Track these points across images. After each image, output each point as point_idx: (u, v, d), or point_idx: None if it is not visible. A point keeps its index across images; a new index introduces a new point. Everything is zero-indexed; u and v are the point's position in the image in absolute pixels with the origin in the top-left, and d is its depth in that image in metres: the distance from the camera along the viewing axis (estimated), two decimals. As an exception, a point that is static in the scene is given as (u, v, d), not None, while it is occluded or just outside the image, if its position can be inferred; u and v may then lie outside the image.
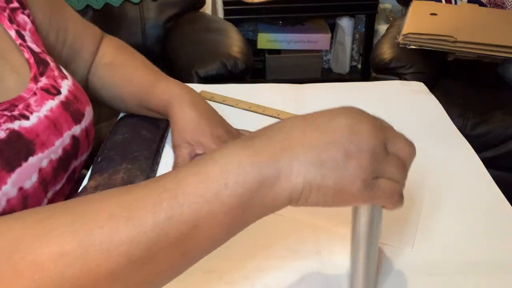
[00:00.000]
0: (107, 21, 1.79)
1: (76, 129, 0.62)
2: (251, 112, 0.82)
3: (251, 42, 2.27)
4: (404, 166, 0.42)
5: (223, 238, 0.40)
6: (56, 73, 0.63)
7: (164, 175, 0.39)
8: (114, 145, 0.71)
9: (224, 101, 0.85)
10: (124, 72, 0.74)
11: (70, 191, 0.66)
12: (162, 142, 0.73)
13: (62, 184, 0.61)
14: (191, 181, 0.37)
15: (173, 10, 1.88)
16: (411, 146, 0.44)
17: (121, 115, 0.81)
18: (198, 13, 1.96)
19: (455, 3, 1.78)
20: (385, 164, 0.41)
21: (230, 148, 0.39)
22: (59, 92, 0.61)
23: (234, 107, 0.84)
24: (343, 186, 0.39)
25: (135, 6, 1.82)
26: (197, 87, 0.89)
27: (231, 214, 0.38)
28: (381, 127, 0.42)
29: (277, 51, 2.37)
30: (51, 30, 0.69)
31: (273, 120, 0.80)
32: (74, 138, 0.62)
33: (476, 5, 1.73)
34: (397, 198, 0.42)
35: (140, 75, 0.73)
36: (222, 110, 0.83)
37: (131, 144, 0.71)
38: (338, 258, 0.54)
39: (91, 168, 0.68)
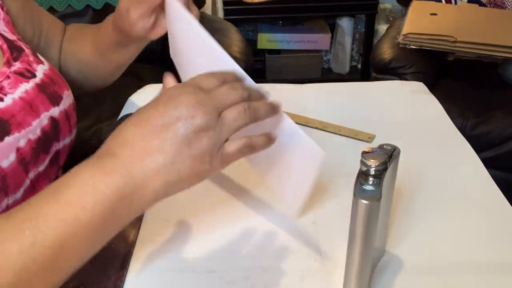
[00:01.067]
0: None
1: (55, 111, 0.62)
2: (251, 112, 0.82)
3: (251, 42, 2.27)
4: (239, 113, 0.45)
5: (91, 251, 0.43)
6: (31, 58, 0.64)
7: (26, 203, 0.41)
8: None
9: (224, 101, 0.85)
10: (76, 40, 0.77)
11: (57, 177, 0.66)
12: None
13: (45, 167, 0.62)
14: (51, 208, 0.40)
15: (173, 10, 1.88)
16: (233, 91, 0.45)
17: (121, 115, 0.81)
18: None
19: (455, 3, 1.78)
20: (223, 127, 0.44)
21: (84, 171, 0.42)
22: (34, 76, 0.62)
23: (234, 107, 0.84)
24: (198, 170, 0.44)
25: (135, 6, 1.82)
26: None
27: (94, 232, 0.41)
28: (202, 97, 0.44)
29: (277, 51, 2.37)
30: (27, 23, 0.72)
31: (273, 120, 0.80)
32: (52, 119, 0.62)
33: (476, 5, 1.73)
34: (249, 146, 0.46)
35: (88, 30, 0.76)
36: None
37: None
38: (338, 258, 0.54)
39: (91, 168, 0.68)
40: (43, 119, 0.61)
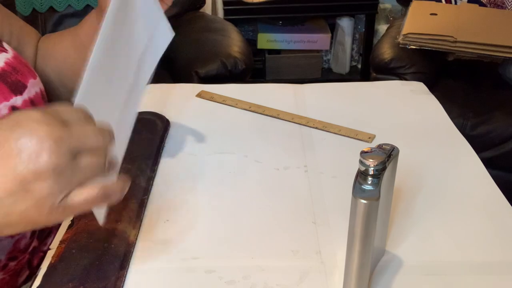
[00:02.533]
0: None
1: (17, 100, 0.61)
2: (251, 112, 0.82)
3: (251, 42, 2.27)
4: (98, 164, 0.39)
5: None
6: None
7: None
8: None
9: (224, 101, 0.85)
10: (55, 37, 0.76)
11: None
12: (162, 142, 0.74)
13: None
14: None
15: (173, 10, 1.88)
16: (99, 135, 0.39)
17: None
18: (198, 13, 1.96)
19: (455, 3, 1.78)
20: (75, 174, 0.37)
21: None
22: None
23: (234, 107, 0.84)
24: (31, 218, 0.37)
25: (135, 6, 1.82)
26: (197, 87, 0.89)
27: None
28: (58, 133, 0.36)
29: (277, 51, 2.37)
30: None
31: (273, 120, 0.80)
32: (14, 109, 0.61)
33: (476, 5, 1.73)
34: (101, 198, 0.39)
35: (67, 29, 0.75)
36: (222, 110, 0.83)
37: (131, 144, 0.71)
38: (338, 258, 0.54)
39: (91, 168, 0.68)
40: (2, 109, 0.59)
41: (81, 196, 0.38)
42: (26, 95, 0.63)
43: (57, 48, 0.74)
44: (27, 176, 0.35)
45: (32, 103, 0.63)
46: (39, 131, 0.35)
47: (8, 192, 0.36)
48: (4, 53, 0.63)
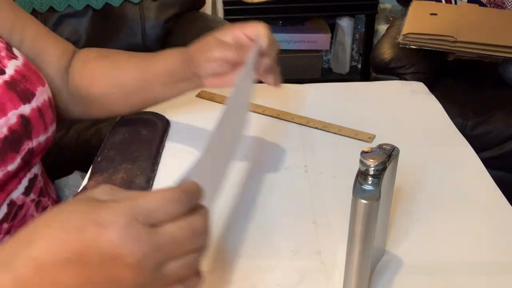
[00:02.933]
0: (107, 21, 1.79)
1: (25, 108, 0.61)
2: (251, 112, 0.82)
3: (251, 42, 2.26)
4: (186, 268, 0.37)
5: None
6: (2, 53, 0.62)
7: None
8: (114, 145, 0.71)
9: (224, 101, 0.85)
10: (118, 57, 0.73)
11: (33, 182, 0.65)
12: (162, 142, 0.74)
13: (16, 166, 0.60)
14: None
15: (173, 10, 1.88)
16: (192, 239, 0.37)
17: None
18: (198, 13, 1.96)
19: (455, 3, 1.78)
20: (160, 281, 0.36)
21: None
22: (3, 72, 0.61)
23: (234, 107, 0.84)
24: None
25: (135, 6, 1.82)
26: (197, 87, 0.89)
27: None
28: (146, 250, 0.34)
29: (277, 51, 2.37)
30: (7, 27, 0.68)
31: (273, 120, 0.80)
32: (22, 117, 0.60)
33: (476, 5, 1.73)
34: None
35: (134, 55, 0.72)
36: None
37: (131, 144, 0.71)
38: (338, 258, 0.54)
39: (91, 168, 0.68)
40: (11, 118, 0.59)
41: None
42: (35, 103, 0.62)
43: (115, 73, 0.71)
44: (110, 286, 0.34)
45: (40, 111, 0.63)
46: (126, 248, 0.34)
47: None
48: (14, 60, 0.63)
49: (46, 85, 0.66)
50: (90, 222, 0.34)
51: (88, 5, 1.75)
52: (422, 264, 0.54)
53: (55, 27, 1.70)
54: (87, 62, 0.74)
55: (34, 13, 1.68)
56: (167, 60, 0.68)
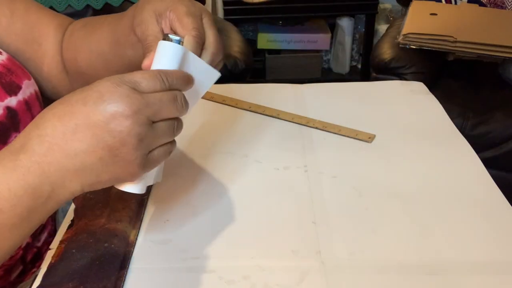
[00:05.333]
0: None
1: (12, 101, 0.61)
2: (251, 112, 0.82)
3: (251, 42, 2.27)
4: (171, 127, 0.46)
5: (15, 244, 0.45)
6: None
7: None
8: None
9: (224, 101, 0.85)
10: (96, 22, 0.70)
11: None
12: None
13: None
14: None
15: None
16: (173, 103, 0.45)
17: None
18: (198, 13, 1.96)
19: (455, 3, 1.78)
20: (153, 139, 0.44)
21: None
22: None
23: (234, 107, 0.84)
24: (119, 176, 0.44)
25: (135, 6, 1.82)
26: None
27: (15, 228, 0.43)
28: (138, 104, 0.42)
29: (277, 51, 2.37)
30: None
31: (273, 120, 0.80)
32: (9, 109, 0.61)
33: (476, 5, 1.73)
34: (169, 154, 0.47)
35: (107, 17, 0.70)
36: (222, 110, 0.83)
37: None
38: (338, 258, 0.54)
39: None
40: None
41: (161, 151, 0.45)
42: (21, 96, 0.63)
43: (92, 40, 0.69)
44: (115, 145, 0.41)
45: (26, 104, 0.63)
46: (122, 105, 0.41)
47: (98, 158, 0.42)
48: None
49: (32, 80, 0.66)
50: (89, 93, 0.42)
51: (88, 5, 1.75)
52: (421, 264, 0.54)
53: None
54: (73, 33, 0.71)
55: (34, 13, 1.68)
56: (128, 15, 0.62)
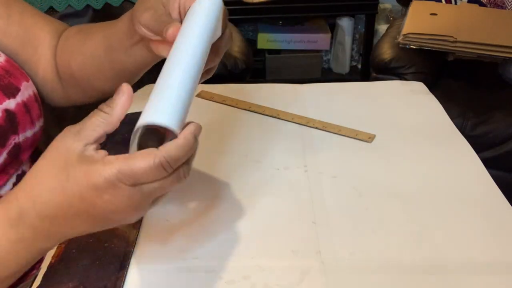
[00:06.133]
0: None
1: (10, 103, 0.61)
2: (251, 112, 0.82)
3: (251, 42, 2.27)
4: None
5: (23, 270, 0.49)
6: None
7: None
8: (115, 145, 0.71)
9: (224, 101, 0.85)
10: (92, 28, 0.71)
11: (21, 178, 0.65)
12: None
13: (2, 161, 0.60)
14: None
15: (173, 10, 1.88)
16: (174, 185, 0.43)
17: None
18: (198, 13, 1.96)
19: (455, 3, 1.77)
20: (152, 205, 0.44)
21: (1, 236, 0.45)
22: None
23: (234, 107, 0.84)
24: (121, 223, 0.46)
25: (135, 6, 1.82)
26: (197, 87, 0.89)
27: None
28: (141, 203, 0.43)
29: (277, 51, 2.36)
30: None
31: (273, 120, 0.80)
32: (7, 112, 0.60)
33: (476, 5, 1.73)
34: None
35: (100, 24, 0.70)
36: (222, 110, 0.83)
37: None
38: (338, 258, 0.54)
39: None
40: None
41: (161, 201, 0.45)
42: (20, 98, 0.62)
43: (87, 45, 0.69)
44: (115, 222, 0.45)
45: (25, 106, 0.63)
46: (124, 207, 0.42)
47: (103, 226, 0.46)
48: None
49: (30, 81, 0.65)
50: (86, 191, 0.41)
51: (88, 5, 1.75)
52: (421, 264, 0.54)
53: (55, 27, 1.70)
54: (68, 38, 0.72)
55: (34, 13, 1.68)
56: (124, 19, 0.63)
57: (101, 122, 0.43)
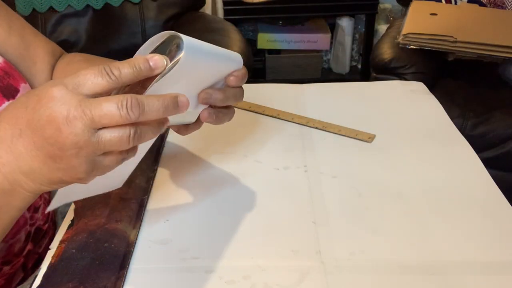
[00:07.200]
0: (107, 21, 1.79)
1: None
2: (251, 112, 0.82)
3: (251, 42, 2.27)
4: (124, 136, 0.41)
5: None
6: None
7: None
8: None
9: (224, 101, 0.85)
10: (100, 62, 0.70)
11: None
12: (162, 142, 0.74)
13: None
14: None
15: (173, 10, 1.88)
16: (122, 110, 0.40)
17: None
18: (198, 13, 1.96)
19: (455, 3, 1.77)
20: (97, 147, 0.40)
21: None
22: None
23: (234, 107, 0.84)
24: (68, 180, 0.43)
25: (135, 6, 1.82)
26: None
27: None
28: (74, 110, 0.39)
29: (277, 51, 2.36)
30: None
31: (273, 120, 0.80)
32: None
33: (476, 5, 1.73)
34: (121, 162, 0.44)
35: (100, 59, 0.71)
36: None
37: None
38: (338, 258, 0.54)
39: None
40: None
41: (110, 160, 0.42)
42: None
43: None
44: (54, 152, 0.40)
45: None
46: (57, 110, 0.39)
47: (43, 163, 0.41)
48: None
49: (27, 83, 0.65)
50: (30, 97, 0.41)
51: (88, 5, 1.75)
52: (421, 264, 0.54)
53: (55, 27, 1.70)
54: (70, 64, 0.72)
55: (34, 13, 1.68)
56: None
57: (107, 82, 0.40)
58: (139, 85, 0.44)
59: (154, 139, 0.46)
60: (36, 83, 0.70)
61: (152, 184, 0.65)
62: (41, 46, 0.71)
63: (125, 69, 0.41)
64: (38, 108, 0.40)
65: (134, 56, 0.44)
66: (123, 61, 0.42)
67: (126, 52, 0.57)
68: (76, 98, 0.39)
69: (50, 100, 0.39)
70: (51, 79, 0.71)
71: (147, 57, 0.43)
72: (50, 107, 0.39)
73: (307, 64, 2.37)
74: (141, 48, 0.47)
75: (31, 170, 0.42)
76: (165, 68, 0.43)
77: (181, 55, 0.43)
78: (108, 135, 0.40)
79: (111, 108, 0.39)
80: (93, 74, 0.40)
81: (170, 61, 0.44)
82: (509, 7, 1.73)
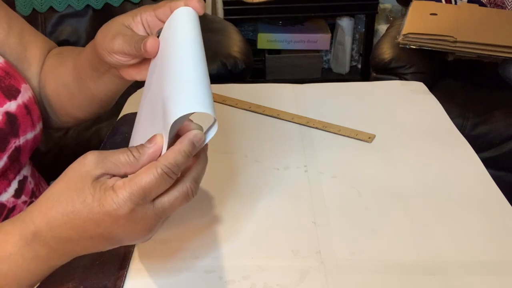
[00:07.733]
0: (107, 21, 1.79)
1: (11, 105, 0.60)
2: (251, 112, 0.82)
3: (251, 42, 2.26)
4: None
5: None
6: None
7: None
8: (114, 145, 0.71)
9: (224, 101, 0.85)
10: (67, 53, 0.70)
11: (23, 184, 0.64)
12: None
13: (2, 166, 0.59)
14: None
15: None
16: (182, 204, 0.46)
17: (121, 115, 0.81)
18: (198, 13, 1.96)
19: (455, 3, 1.77)
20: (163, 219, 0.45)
21: (15, 261, 0.45)
22: None
23: (234, 107, 0.84)
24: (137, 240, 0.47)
25: (135, 6, 1.82)
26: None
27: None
28: (153, 223, 0.44)
29: (277, 51, 2.36)
30: None
31: (273, 120, 0.80)
32: (8, 114, 0.59)
33: (476, 5, 1.73)
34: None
35: (75, 49, 0.70)
36: (222, 110, 0.83)
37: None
38: (338, 258, 0.54)
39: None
40: None
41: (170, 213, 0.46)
42: (20, 99, 0.62)
43: (58, 70, 0.68)
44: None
45: (26, 107, 0.62)
46: (138, 229, 0.44)
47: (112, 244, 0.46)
48: None
49: (27, 84, 0.65)
50: (101, 217, 0.42)
51: (88, 5, 1.75)
52: (421, 264, 0.54)
53: (55, 27, 1.70)
54: (48, 59, 0.71)
55: (34, 13, 1.68)
56: (87, 51, 0.62)
57: (126, 162, 0.44)
58: None
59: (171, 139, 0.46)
60: (31, 83, 0.69)
61: None
62: (39, 47, 0.71)
63: (182, 163, 0.44)
64: (114, 228, 0.43)
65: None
66: (176, 152, 0.44)
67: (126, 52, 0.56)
68: (150, 209, 0.43)
69: (126, 222, 0.43)
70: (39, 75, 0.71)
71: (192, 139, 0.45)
72: (129, 228, 0.44)
73: (307, 64, 2.37)
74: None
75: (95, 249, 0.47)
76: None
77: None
78: (163, 199, 0.44)
79: (183, 201, 0.46)
80: (156, 181, 0.42)
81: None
82: (509, 7, 1.73)
